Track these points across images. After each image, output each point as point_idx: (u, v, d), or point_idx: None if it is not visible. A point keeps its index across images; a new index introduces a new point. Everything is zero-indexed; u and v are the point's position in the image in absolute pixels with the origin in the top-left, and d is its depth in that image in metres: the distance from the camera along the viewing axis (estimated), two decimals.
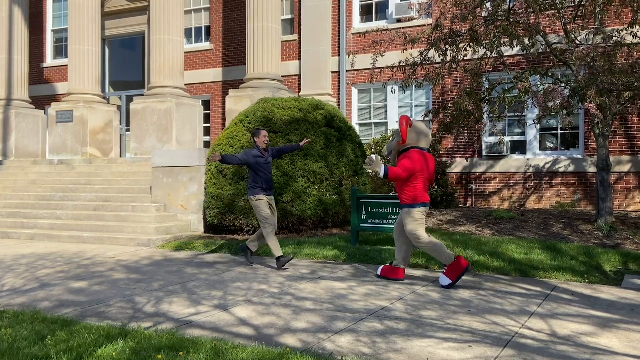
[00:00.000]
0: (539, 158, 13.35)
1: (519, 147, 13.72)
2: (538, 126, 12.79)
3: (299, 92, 15.76)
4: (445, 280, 6.44)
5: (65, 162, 14.63)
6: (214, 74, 17.35)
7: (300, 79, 16.05)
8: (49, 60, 20.23)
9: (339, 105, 15.48)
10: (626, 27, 9.61)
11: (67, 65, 16.95)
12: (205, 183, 10.93)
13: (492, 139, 13.63)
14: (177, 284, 6.69)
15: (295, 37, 16.23)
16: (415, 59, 10.45)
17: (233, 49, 17.13)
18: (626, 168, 12.52)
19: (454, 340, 4.46)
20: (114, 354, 4.00)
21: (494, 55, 10.29)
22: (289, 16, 16.49)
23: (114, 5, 18.35)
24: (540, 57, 11.97)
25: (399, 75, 11.10)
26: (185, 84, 15.58)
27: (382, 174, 6.50)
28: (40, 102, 19.57)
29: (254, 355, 3.96)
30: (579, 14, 9.94)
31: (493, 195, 13.70)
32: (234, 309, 5.48)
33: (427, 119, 12.21)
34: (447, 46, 10.02)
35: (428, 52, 10.33)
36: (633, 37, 9.60)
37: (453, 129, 10.74)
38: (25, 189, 13.67)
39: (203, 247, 9.46)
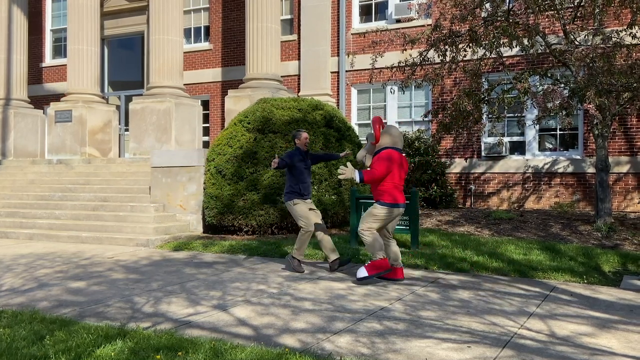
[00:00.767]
0: (538, 158, 13.35)
1: (518, 148, 13.72)
2: (537, 127, 12.80)
3: (298, 92, 15.75)
4: (362, 272, 6.55)
5: (64, 162, 14.62)
6: (213, 74, 17.34)
7: (299, 79, 16.04)
8: (48, 60, 20.21)
9: (338, 105, 15.48)
10: (625, 27, 9.62)
11: (66, 65, 16.93)
12: (204, 183, 10.92)
13: (491, 140, 13.63)
14: (175, 284, 6.69)
15: (294, 37, 16.23)
16: (415, 59, 10.45)
17: (232, 49, 17.12)
18: (625, 169, 12.53)
19: (453, 341, 4.46)
20: (112, 354, 4.00)
21: (493, 55, 10.30)
22: (289, 16, 16.49)
23: (113, 5, 18.33)
24: (540, 58, 11.98)
25: (398, 75, 11.10)
26: (185, 84, 15.58)
27: (357, 179, 6.61)
28: (39, 101, 19.55)
29: (253, 356, 3.96)
30: (578, 14, 9.94)
31: (492, 196, 13.70)
32: (233, 309, 5.47)
33: (426, 119, 12.21)
34: (447, 46, 10.02)
35: (427, 53, 10.33)
36: (632, 38, 9.60)
37: (452, 130, 10.74)
38: (23, 189, 13.65)
39: (202, 247, 9.45)
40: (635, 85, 9.01)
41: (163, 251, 9.42)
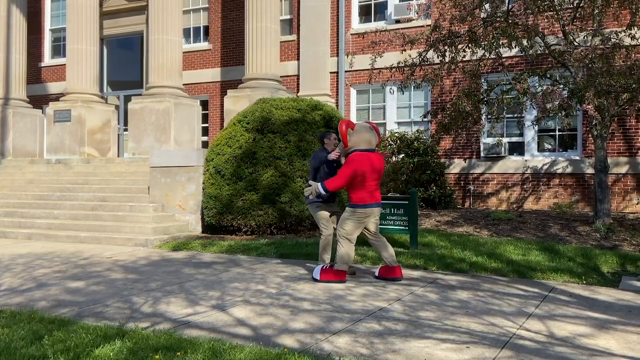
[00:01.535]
0: (537, 159, 13.36)
1: (517, 148, 13.73)
2: (536, 127, 12.80)
3: (298, 92, 15.75)
4: (317, 274, 6.73)
5: (62, 162, 14.60)
6: (212, 74, 17.34)
7: (298, 79, 16.04)
8: (47, 60, 20.19)
9: (337, 105, 15.48)
10: (624, 28, 9.62)
11: (65, 65, 16.93)
12: (203, 183, 10.91)
13: (490, 140, 13.64)
14: (174, 284, 6.68)
15: (294, 37, 16.23)
16: (414, 59, 10.45)
17: (231, 49, 17.12)
18: (624, 169, 12.54)
19: (452, 341, 4.46)
20: (111, 354, 3.99)
21: (492, 56, 10.31)
22: (288, 16, 16.49)
23: (113, 5, 18.33)
24: (539, 58, 11.98)
25: (397, 76, 11.11)
26: (184, 84, 15.57)
27: (322, 191, 6.62)
28: (38, 101, 19.53)
29: (252, 356, 3.95)
30: (577, 15, 9.95)
31: (491, 196, 13.71)
32: (232, 309, 5.47)
33: (425, 119, 12.22)
34: (446, 47, 10.03)
35: (427, 53, 10.33)
36: (631, 39, 9.61)
37: (451, 130, 10.75)
38: (22, 189, 13.64)
39: (201, 247, 9.44)
40: (634, 86, 9.02)
41: (162, 251, 9.41)
